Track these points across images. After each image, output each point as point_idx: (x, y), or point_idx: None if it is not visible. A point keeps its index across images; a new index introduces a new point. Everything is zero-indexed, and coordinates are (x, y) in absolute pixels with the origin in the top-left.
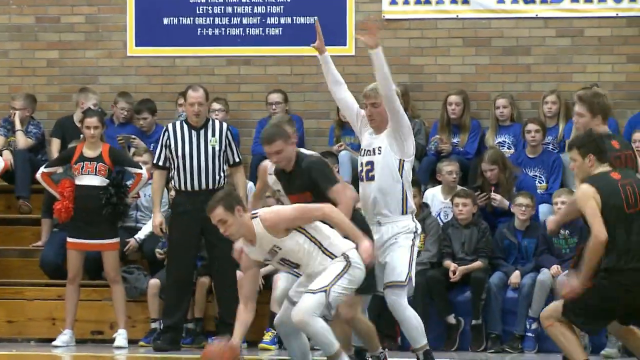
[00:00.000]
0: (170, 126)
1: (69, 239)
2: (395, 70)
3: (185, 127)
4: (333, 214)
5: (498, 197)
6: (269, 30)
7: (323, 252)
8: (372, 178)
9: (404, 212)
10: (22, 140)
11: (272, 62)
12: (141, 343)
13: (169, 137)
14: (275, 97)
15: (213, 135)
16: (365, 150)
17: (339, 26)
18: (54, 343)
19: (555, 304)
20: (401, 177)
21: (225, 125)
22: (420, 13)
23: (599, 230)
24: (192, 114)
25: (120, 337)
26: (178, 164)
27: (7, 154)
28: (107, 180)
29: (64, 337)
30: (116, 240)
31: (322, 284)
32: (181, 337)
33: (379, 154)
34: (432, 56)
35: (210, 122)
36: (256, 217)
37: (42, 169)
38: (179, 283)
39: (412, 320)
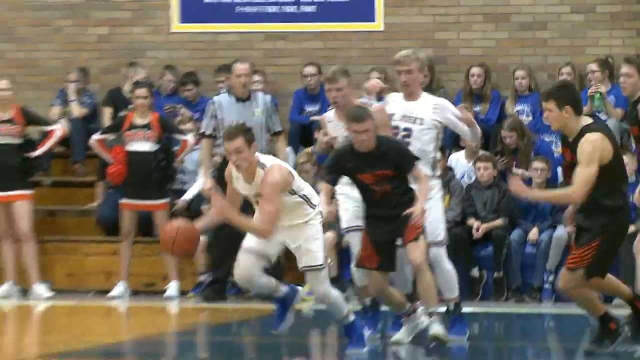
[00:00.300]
0: (217, 98)
1: (122, 200)
2: (422, 44)
3: (233, 99)
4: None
5: (519, 171)
6: (303, 7)
7: (305, 201)
8: (407, 144)
9: (434, 175)
10: (76, 110)
11: (306, 37)
12: (190, 294)
13: (216, 109)
14: (310, 69)
15: (257, 106)
16: (403, 116)
17: (369, 4)
18: (109, 294)
19: (570, 274)
20: (435, 146)
21: (268, 97)
22: None
23: (580, 194)
24: (239, 85)
25: (172, 288)
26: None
27: (63, 122)
28: (157, 146)
29: (119, 288)
30: (165, 200)
31: (318, 260)
32: (226, 288)
33: (420, 124)
34: (456, 31)
35: (255, 94)
36: (264, 167)
37: (95, 136)
38: (224, 240)
39: (450, 273)
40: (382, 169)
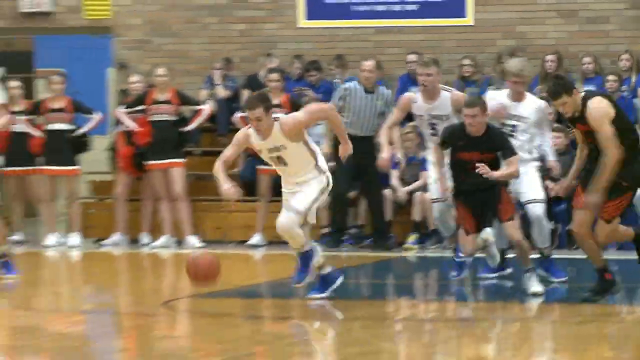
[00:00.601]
0: (350, 85)
1: (259, 166)
2: (505, 36)
3: (362, 89)
4: (333, 112)
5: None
6: (407, 6)
7: (315, 165)
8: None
9: (532, 158)
10: (221, 92)
11: (409, 30)
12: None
13: (346, 94)
14: (412, 57)
15: (379, 99)
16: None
17: (461, 2)
18: (248, 243)
19: (608, 225)
20: (533, 138)
21: (389, 91)
22: None
23: (615, 151)
24: (363, 79)
25: None
26: (351, 114)
27: (210, 103)
28: None
29: (256, 239)
30: None
31: (303, 206)
32: (344, 238)
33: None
34: (533, 25)
35: (378, 88)
36: (277, 121)
37: (238, 114)
38: (340, 198)
39: (546, 227)
40: (487, 153)
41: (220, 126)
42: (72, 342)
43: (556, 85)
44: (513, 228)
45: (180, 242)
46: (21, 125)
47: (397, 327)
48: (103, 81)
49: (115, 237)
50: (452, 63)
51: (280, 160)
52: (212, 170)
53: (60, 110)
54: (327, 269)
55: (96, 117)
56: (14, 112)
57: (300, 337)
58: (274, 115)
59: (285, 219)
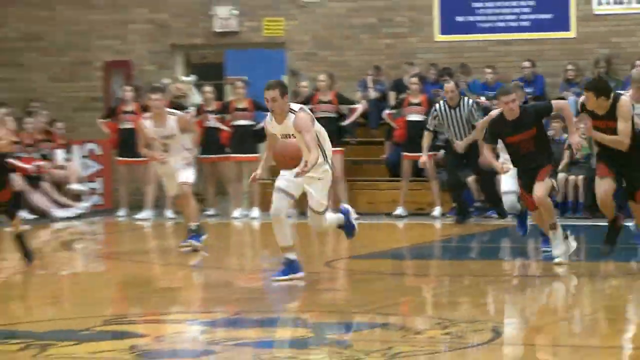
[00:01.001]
0: (438, 106)
1: (404, 153)
2: (601, 46)
3: (447, 106)
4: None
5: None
6: (521, 22)
7: (322, 153)
8: None
9: None
10: (372, 94)
11: (523, 42)
12: (448, 215)
13: (437, 114)
14: (526, 64)
15: (463, 110)
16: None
17: (565, 19)
18: (393, 214)
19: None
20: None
21: (471, 101)
22: (617, 10)
23: (627, 142)
24: (448, 98)
25: (436, 210)
26: (446, 127)
27: (364, 102)
28: (423, 117)
29: (399, 210)
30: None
31: (323, 207)
32: (470, 211)
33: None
34: (625, 36)
35: (462, 100)
36: (294, 112)
37: (386, 111)
38: (456, 182)
39: None
40: (527, 129)
41: (371, 121)
42: (254, 294)
43: (601, 85)
44: (540, 187)
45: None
46: (213, 122)
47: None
48: None
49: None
50: (558, 69)
51: None
52: (364, 156)
53: (243, 109)
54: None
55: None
56: (207, 111)
57: (437, 289)
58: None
59: (314, 221)
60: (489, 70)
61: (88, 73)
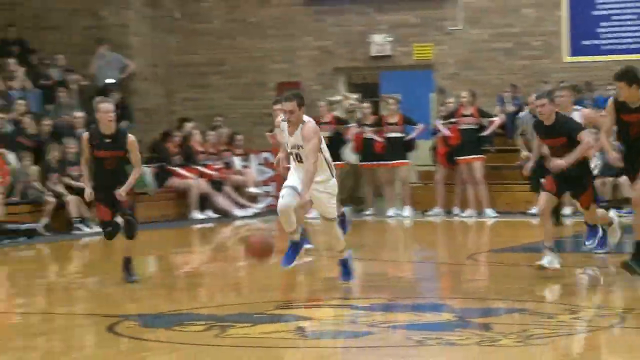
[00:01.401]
0: (521, 114)
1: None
2: None
3: (531, 116)
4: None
5: None
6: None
7: (327, 165)
8: None
9: None
10: (509, 108)
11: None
12: (577, 214)
13: (525, 127)
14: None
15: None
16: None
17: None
18: (528, 212)
19: None
20: None
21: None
22: None
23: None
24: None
25: (568, 210)
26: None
27: (501, 115)
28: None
29: (535, 210)
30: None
31: (333, 214)
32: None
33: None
34: None
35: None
36: (304, 123)
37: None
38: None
39: None
40: (559, 137)
41: (508, 132)
42: (406, 283)
43: (631, 73)
44: (591, 214)
45: (479, 213)
46: (370, 134)
47: None
48: (427, 102)
49: (435, 210)
50: None
51: (297, 157)
52: (503, 162)
53: (395, 123)
54: (345, 255)
55: (420, 127)
56: (364, 125)
57: (568, 279)
58: (304, 118)
59: (324, 227)
60: (610, 87)
61: (263, 93)
